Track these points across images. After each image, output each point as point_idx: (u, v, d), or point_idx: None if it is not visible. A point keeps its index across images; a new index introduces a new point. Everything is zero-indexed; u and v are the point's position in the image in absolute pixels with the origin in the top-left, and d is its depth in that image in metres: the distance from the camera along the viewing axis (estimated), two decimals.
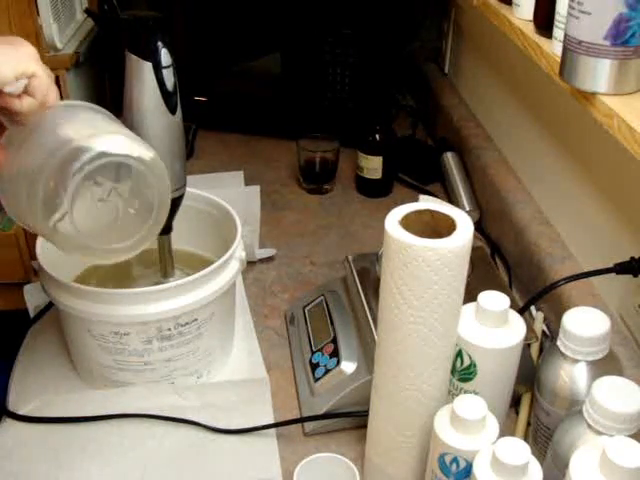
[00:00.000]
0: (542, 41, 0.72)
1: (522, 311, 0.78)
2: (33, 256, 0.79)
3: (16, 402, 0.81)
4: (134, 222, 0.65)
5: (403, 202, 0.61)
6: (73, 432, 0.78)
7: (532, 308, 0.91)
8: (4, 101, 0.58)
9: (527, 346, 0.80)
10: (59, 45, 1.21)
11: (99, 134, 0.60)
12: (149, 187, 0.64)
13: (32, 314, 0.94)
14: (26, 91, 0.58)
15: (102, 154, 0.59)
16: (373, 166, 1.21)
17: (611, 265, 0.75)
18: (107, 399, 0.80)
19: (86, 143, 0.59)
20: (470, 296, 0.64)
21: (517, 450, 0.54)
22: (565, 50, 0.61)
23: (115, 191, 0.62)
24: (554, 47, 0.69)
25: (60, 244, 0.62)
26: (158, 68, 0.71)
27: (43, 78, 0.59)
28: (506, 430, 0.71)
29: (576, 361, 0.64)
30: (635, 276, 0.74)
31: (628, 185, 0.79)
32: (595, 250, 0.87)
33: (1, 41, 0.59)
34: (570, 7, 0.59)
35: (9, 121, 0.61)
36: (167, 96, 0.72)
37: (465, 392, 0.67)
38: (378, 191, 1.24)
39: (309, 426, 0.79)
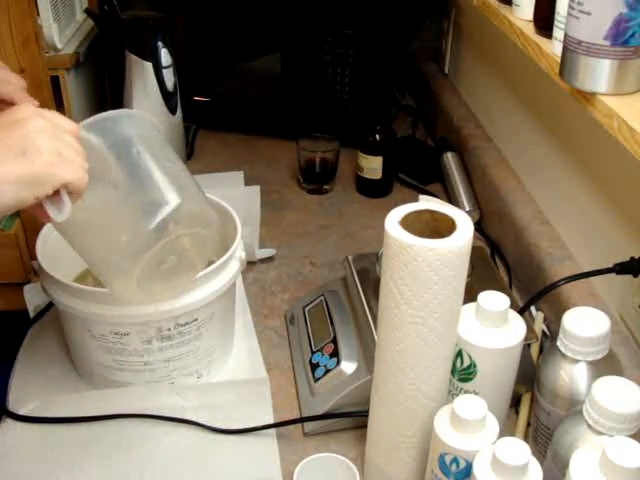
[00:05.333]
0: (542, 41, 0.72)
1: (522, 311, 0.78)
2: (33, 256, 0.79)
3: (16, 402, 0.81)
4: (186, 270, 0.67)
5: (403, 202, 0.61)
6: (73, 432, 0.78)
7: (532, 308, 0.91)
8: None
9: (527, 346, 0.80)
10: (59, 45, 1.21)
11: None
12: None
13: (32, 314, 0.94)
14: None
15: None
16: (373, 166, 1.21)
17: (611, 265, 0.75)
18: (107, 399, 0.80)
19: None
20: (470, 296, 0.64)
21: (517, 450, 0.55)
22: (565, 50, 0.61)
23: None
24: (554, 47, 0.69)
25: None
26: (158, 68, 0.71)
27: (75, 180, 0.50)
28: (506, 430, 0.71)
29: (576, 361, 0.64)
30: (635, 276, 0.74)
31: (628, 185, 0.79)
32: (595, 250, 0.87)
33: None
34: (570, 7, 0.59)
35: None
36: (167, 96, 0.72)
37: (465, 392, 0.67)
38: (378, 191, 1.24)
39: (309, 426, 0.79)
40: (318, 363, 0.83)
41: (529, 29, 0.76)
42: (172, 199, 0.60)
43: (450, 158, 1.25)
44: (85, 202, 0.53)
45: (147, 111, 0.72)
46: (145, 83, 0.71)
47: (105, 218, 0.60)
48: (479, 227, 1.12)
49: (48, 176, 0.49)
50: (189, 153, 1.33)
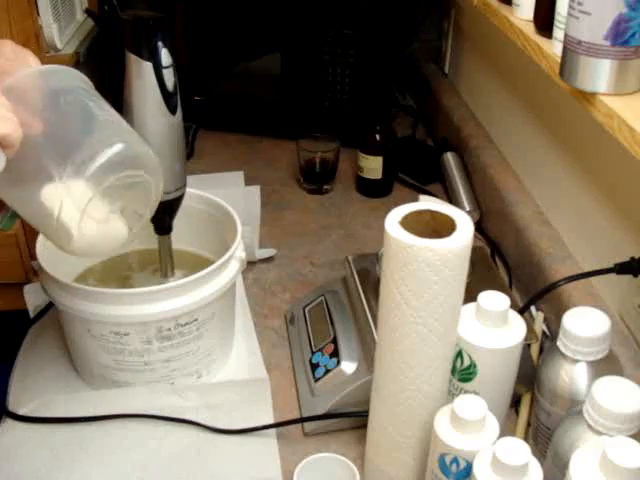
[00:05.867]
0: (542, 41, 0.72)
1: (522, 311, 0.78)
2: (33, 256, 0.79)
3: (16, 402, 0.81)
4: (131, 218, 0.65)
5: (403, 202, 0.61)
6: (73, 432, 0.78)
7: (532, 308, 0.91)
8: None
9: (527, 346, 0.80)
10: (59, 45, 1.21)
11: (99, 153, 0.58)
12: (147, 186, 0.64)
13: (32, 314, 0.94)
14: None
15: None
16: (373, 166, 1.21)
17: (611, 265, 0.75)
18: (107, 399, 0.80)
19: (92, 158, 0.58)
20: (470, 296, 0.64)
21: (517, 450, 0.54)
22: (565, 50, 0.61)
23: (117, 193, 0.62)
24: (554, 47, 0.69)
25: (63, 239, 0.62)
26: (158, 68, 0.71)
27: (12, 133, 0.52)
28: (506, 430, 0.71)
29: (576, 361, 0.64)
30: (635, 276, 0.74)
31: (628, 185, 0.79)
32: (595, 250, 0.87)
33: None
34: (570, 7, 0.59)
35: None
36: (167, 96, 0.72)
37: (465, 392, 0.67)
38: (378, 191, 1.24)
39: (309, 426, 0.79)
40: (318, 363, 0.83)
41: (529, 29, 0.76)
42: (115, 142, 0.60)
43: (450, 158, 1.25)
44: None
45: (147, 111, 0.72)
46: (145, 83, 0.71)
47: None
48: (479, 227, 1.12)
49: None
50: (189, 153, 1.33)
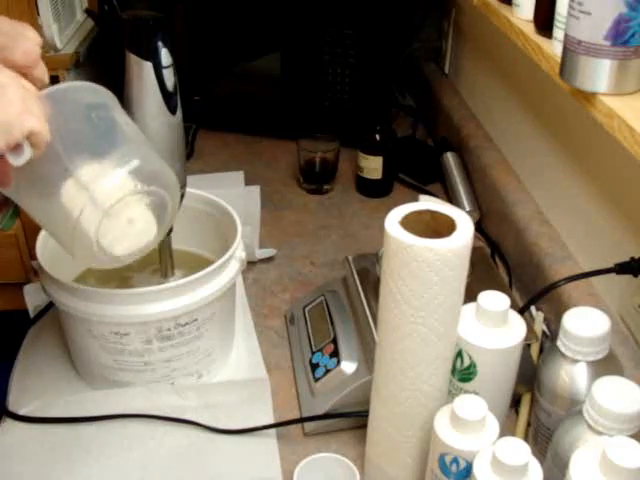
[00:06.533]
0: (542, 41, 0.72)
1: (522, 311, 0.78)
2: (33, 256, 0.79)
3: (16, 402, 0.81)
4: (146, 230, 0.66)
5: (403, 202, 0.61)
6: (73, 432, 0.78)
7: (532, 308, 0.91)
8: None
9: (527, 346, 0.80)
10: (59, 45, 1.21)
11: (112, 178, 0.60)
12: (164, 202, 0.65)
13: (32, 314, 0.94)
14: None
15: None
16: (373, 166, 1.21)
17: (611, 265, 0.75)
18: (107, 399, 0.80)
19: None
20: (470, 296, 0.64)
21: (517, 450, 0.54)
22: (565, 50, 0.61)
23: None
24: (554, 47, 0.69)
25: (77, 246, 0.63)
26: (158, 68, 0.71)
27: (42, 132, 0.54)
28: (506, 430, 0.71)
29: (576, 361, 0.64)
30: (635, 276, 0.74)
31: (628, 185, 0.79)
32: (595, 250, 0.87)
33: None
34: (570, 7, 0.59)
35: None
36: (167, 96, 0.72)
37: (465, 392, 0.66)
38: (378, 191, 1.24)
39: (309, 426, 0.79)
40: (318, 363, 0.83)
41: (529, 29, 0.76)
42: (133, 158, 0.61)
43: (450, 158, 1.25)
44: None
45: (147, 111, 0.72)
46: (145, 83, 0.71)
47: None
48: (479, 227, 1.12)
49: (18, 123, 0.52)
50: (189, 153, 1.33)
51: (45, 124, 0.55)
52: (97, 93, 0.64)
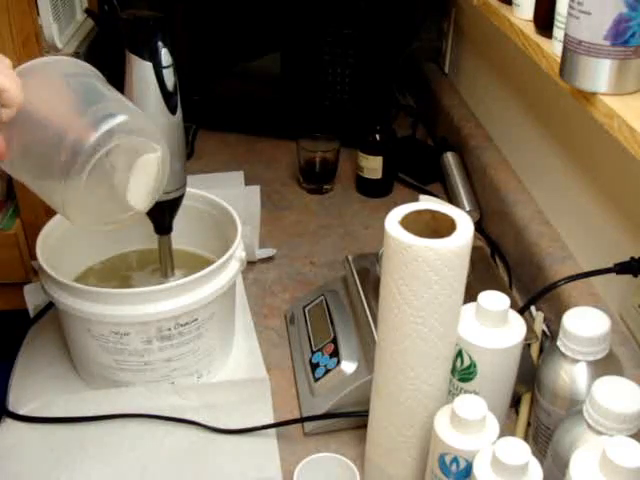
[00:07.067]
0: (542, 41, 0.72)
1: (522, 311, 0.78)
2: (33, 256, 0.79)
3: (16, 402, 0.81)
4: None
5: (403, 202, 0.61)
6: (73, 432, 0.78)
7: (532, 308, 0.91)
8: None
9: (527, 346, 0.80)
10: (59, 45, 1.21)
11: (102, 120, 0.61)
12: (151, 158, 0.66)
13: (32, 314, 0.94)
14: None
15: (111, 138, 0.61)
16: (373, 166, 1.21)
17: (611, 265, 0.75)
18: (107, 399, 0.80)
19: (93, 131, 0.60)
20: (470, 296, 0.64)
21: (517, 450, 0.54)
22: (565, 50, 0.61)
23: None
24: (554, 47, 0.69)
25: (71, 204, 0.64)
26: (158, 68, 0.71)
27: (12, 89, 0.57)
28: (506, 430, 0.71)
29: (576, 361, 0.64)
30: (635, 276, 0.74)
31: (628, 185, 0.79)
32: (595, 250, 0.87)
33: None
34: (570, 7, 0.59)
35: None
36: (167, 96, 0.72)
37: (465, 392, 0.67)
38: (378, 191, 1.24)
39: (309, 426, 0.79)
40: (318, 363, 0.83)
41: (529, 29, 0.76)
42: (119, 113, 0.62)
43: (450, 158, 1.25)
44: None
45: (147, 111, 0.72)
46: (145, 83, 0.71)
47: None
48: (479, 227, 1.12)
49: None
50: (189, 153, 1.33)
51: (15, 82, 0.57)
52: (77, 66, 0.66)
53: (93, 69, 0.67)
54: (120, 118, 0.62)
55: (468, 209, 1.14)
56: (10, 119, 0.58)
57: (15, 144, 0.61)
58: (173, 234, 0.83)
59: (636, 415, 0.54)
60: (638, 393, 0.56)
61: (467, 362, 0.65)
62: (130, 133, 0.63)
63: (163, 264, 0.85)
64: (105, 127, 0.60)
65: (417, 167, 1.29)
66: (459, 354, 0.66)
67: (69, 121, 0.61)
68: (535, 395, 0.69)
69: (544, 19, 0.72)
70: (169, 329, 0.76)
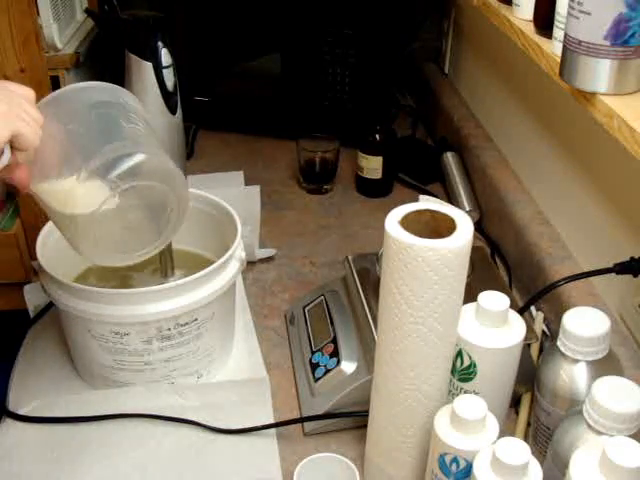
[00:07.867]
0: (542, 41, 0.72)
1: (522, 311, 0.78)
2: (33, 256, 0.79)
3: (16, 402, 0.81)
4: (150, 230, 0.66)
5: (403, 202, 0.61)
6: (73, 432, 0.78)
7: (532, 308, 0.91)
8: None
9: (527, 346, 0.80)
10: (59, 45, 1.21)
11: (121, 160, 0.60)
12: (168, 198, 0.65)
13: (32, 314, 0.94)
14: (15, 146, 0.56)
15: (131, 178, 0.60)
16: (373, 166, 1.21)
17: (611, 265, 0.75)
18: (107, 399, 0.80)
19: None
20: (470, 296, 0.64)
21: (517, 450, 0.54)
22: (565, 50, 0.61)
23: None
24: (554, 47, 0.69)
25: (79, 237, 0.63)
26: (158, 68, 0.71)
27: (27, 134, 0.55)
28: (506, 430, 0.71)
29: (576, 361, 0.64)
30: (635, 276, 0.74)
31: (628, 185, 0.79)
32: (595, 250, 0.87)
33: None
34: (570, 7, 0.59)
35: None
36: (167, 96, 0.73)
37: (465, 392, 0.67)
38: (378, 191, 1.24)
39: (309, 426, 0.79)
40: (318, 363, 0.83)
41: (529, 29, 0.76)
42: (135, 153, 0.61)
43: (450, 158, 1.25)
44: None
45: (147, 111, 0.72)
46: (145, 83, 0.71)
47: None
48: (479, 227, 1.12)
49: (3, 124, 0.53)
50: (189, 153, 1.33)
51: (32, 125, 0.55)
52: (103, 92, 0.65)
53: (121, 93, 0.66)
54: (137, 157, 0.61)
55: (468, 209, 1.14)
56: (26, 160, 0.58)
57: (37, 174, 0.60)
58: None
59: (636, 415, 0.54)
60: (638, 393, 0.56)
61: (467, 362, 0.65)
62: (142, 176, 0.62)
63: (163, 264, 0.85)
64: (117, 171, 0.60)
65: (417, 167, 1.29)
66: (459, 354, 0.66)
67: (84, 157, 0.61)
68: (535, 395, 0.69)
69: (544, 19, 0.72)
70: (169, 329, 0.76)
